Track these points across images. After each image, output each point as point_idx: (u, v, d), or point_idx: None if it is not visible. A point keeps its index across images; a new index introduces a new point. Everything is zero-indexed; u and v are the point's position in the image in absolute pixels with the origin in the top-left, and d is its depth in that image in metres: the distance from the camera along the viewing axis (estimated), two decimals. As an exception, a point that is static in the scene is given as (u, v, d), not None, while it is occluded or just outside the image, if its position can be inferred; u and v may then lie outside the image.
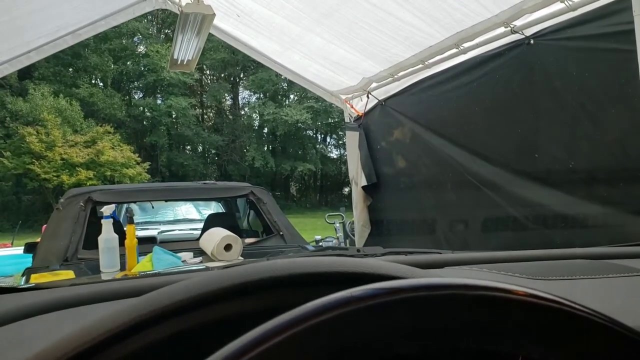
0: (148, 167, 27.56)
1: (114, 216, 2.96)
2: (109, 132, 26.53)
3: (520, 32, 3.36)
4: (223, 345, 0.37)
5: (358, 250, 1.88)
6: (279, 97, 35.55)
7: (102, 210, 2.94)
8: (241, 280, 0.49)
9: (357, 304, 0.37)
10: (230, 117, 37.30)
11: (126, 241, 2.85)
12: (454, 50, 3.89)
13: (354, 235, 6.23)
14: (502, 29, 3.47)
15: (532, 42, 3.31)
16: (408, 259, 1.23)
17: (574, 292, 0.89)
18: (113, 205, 3.04)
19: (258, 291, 0.50)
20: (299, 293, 0.49)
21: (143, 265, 2.79)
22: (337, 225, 7.66)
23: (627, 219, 2.81)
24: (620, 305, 0.82)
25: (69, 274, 2.59)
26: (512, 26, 3.38)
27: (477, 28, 3.59)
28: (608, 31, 2.87)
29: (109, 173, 25.26)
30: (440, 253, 1.29)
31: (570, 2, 3.01)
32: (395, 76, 4.69)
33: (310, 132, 36.36)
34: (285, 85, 33.72)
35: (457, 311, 0.38)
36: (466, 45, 3.79)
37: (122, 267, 2.81)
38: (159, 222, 7.92)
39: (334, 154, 36.89)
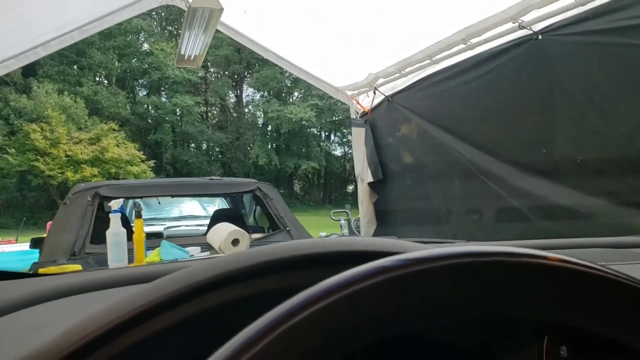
0: (153, 164, 27.64)
1: (121, 210, 2.97)
2: (114, 130, 26.60)
3: (528, 28, 3.35)
4: (252, 320, 0.36)
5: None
6: (283, 94, 35.59)
7: (110, 204, 2.95)
8: (269, 258, 0.49)
9: (402, 270, 0.37)
10: (235, 114, 37.36)
11: (134, 235, 2.85)
12: (462, 46, 3.88)
13: (359, 232, 6.23)
14: (510, 25, 3.46)
15: (540, 37, 3.29)
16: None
17: None
18: (121, 200, 3.05)
19: (285, 269, 0.49)
20: (329, 271, 0.48)
21: (151, 259, 2.80)
22: (343, 222, 7.65)
23: (637, 214, 2.80)
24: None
25: (76, 268, 2.59)
26: (520, 21, 3.36)
27: (485, 23, 3.58)
28: (617, 26, 2.86)
29: (113, 170, 25.34)
30: (454, 242, 1.28)
31: (579, -3, 3.00)
32: (402, 72, 4.68)
33: (314, 130, 36.39)
34: (289, 82, 33.76)
35: (501, 279, 0.38)
36: (474, 40, 3.78)
37: (130, 262, 2.81)
38: (165, 219, 7.95)
39: (338, 151, 36.96)
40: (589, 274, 0.39)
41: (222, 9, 3.73)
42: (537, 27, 3.33)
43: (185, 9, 3.99)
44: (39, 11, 4.31)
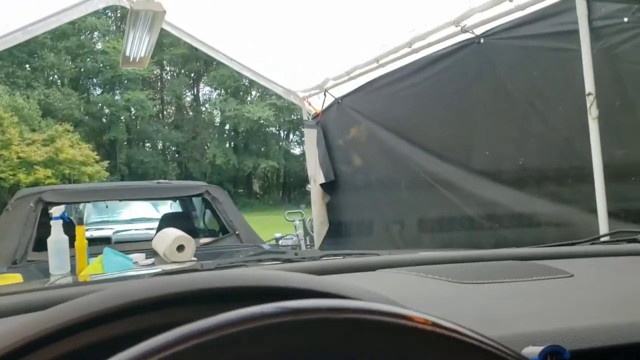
0: (107, 165, 27.24)
1: (64, 217, 2.92)
2: (68, 131, 26.14)
3: (471, 31, 3.40)
4: None
5: (295, 254, 1.89)
6: (241, 93, 35.39)
7: (51, 211, 2.89)
8: (147, 295, 0.48)
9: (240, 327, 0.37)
10: (191, 113, 37.04)
11: (76, 243, 2.80)
12: (407, 50, 3.92)
13: (313, 231, 6.24)
14: (453, 28, 3.51)
15: (482, 41, 3.35)
16: (344, 262, 1.24)
17: (500, 295, 0.91)
18: (62, 206, 2.99)
19: (151, 309, 0.48)
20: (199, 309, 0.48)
21: (93, 267, 2.75)
22: (297, 222, 7.64)
23: (575, 216, 2.87)
24: (543, 308, 0.83)
25: (16, 277, 2.54)
26: (462, 25, 3.41)
27: (429, 27, 3.63)
28: (555, 30, 2.93)
29: (67, 171, 24.86)
30: (378, 254, 1.30)
31: (519, 2, 3.06)
32: (351, 75, 4.70)
33: (273, 129, 36.27)
34: (246, 81, 33.53)
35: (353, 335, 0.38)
36: (418, 44, 3.82)
37: (73, 269, 2.76)
38: (115, 222, 7.82)
39: (297, 150, 36.84)
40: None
41: (164, 12, 3.69)
42: (479, 30, 3.39)
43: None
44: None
